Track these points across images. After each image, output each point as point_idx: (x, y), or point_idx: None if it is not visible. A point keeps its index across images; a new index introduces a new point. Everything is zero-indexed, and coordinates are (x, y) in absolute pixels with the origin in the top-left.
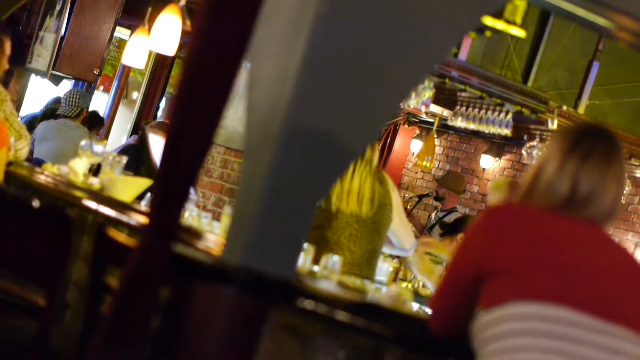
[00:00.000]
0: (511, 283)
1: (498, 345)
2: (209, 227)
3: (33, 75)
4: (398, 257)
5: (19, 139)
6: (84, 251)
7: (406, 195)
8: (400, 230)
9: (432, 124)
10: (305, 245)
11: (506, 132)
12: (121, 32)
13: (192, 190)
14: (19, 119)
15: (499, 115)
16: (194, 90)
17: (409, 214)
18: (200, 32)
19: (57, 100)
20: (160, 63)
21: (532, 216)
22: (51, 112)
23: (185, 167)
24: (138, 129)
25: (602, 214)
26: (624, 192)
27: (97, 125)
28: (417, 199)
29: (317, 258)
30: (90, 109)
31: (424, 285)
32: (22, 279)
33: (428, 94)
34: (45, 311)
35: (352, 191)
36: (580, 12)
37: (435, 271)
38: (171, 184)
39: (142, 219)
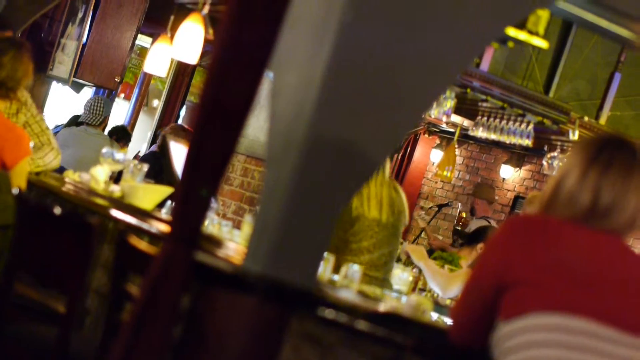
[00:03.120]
0: (532, 294)
1: (518, 356)
2: (230, 235)
3: (54, 83)
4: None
5: (40, 147)
6: (105, 259)
7: (423, 207)
8: (457, 279)
9: (452, 134)
10: (325, 254)
11: (527, 142)
12: (143, 40)
13: (212, 199)
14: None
15: (520, 125)
16: (216, 99)
17: (428, 223)
18: (224, 40)
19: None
20: (182, 71)
21: (553, 227)
22: (74, 119)
23: (207, 175)
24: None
25: (623, 225)
26: None
27: (124, 139)
28: (436, 209)
29: (337, 263)
30: (112, 117)
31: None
32: (43, 285)
33: (449, 104)
34: (65, 318)
35: (371, 197)
36: (603, 23)
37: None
38: (193, 192)
39: (163, 227)
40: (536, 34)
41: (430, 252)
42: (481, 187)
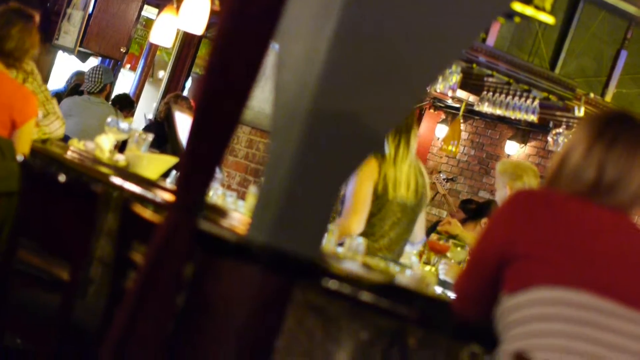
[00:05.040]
0: (535, 268)
1: (522, 330)
2: (234, 206)
3: (60, 52)
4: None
5: (47, 115)
6: (109, 227)
7: (441, 171)
8: (420, 221)
9: (457, 109)
10: (330, 226)
11: (532, 118)
12: (149, 11)
13: (217, 169)
14: (50, 95)
15: (525, 101)
16: (222, 70)
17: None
18: (230, 11)
19: (79, 74)
20: (187, 42)
21: (557, 201)
22: (75, 87)
23: (212, 146)
24: None
25: (628, 200)
26: None
27: (127, 107)
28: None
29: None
30: (117, 87)
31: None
32: (47, 252)
33: (455, 78)
34: (69, 285)
35: (402, 180)
36: None
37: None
38: (198, 162)
39: (168, 196)
40: (543, 9)
41: (434, 226)
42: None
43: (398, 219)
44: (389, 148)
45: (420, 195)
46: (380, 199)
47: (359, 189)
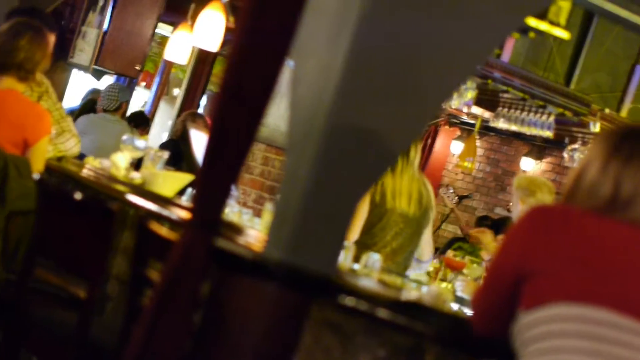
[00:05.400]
0: (552, 284)
1: (539, 346)
2: (250, 223)
3: (75, 70)
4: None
5: (62, 133)
6: (125, 245)
7: (449, 185)
8: (427, 238)
9: (472, 125)
10: (346, 242)
11: (548, 134)
12: (163, 29)
13: (232, 187)
14: (65, 112)
15: (541, 117)
16: (237, 87)
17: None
18: (245, 28)
19: (94, 92)
20: (202, 60)
21: (574, 217)
22: (90, 105)
23: (227, 163)
24: None
25: None
26: None
27: (142, 124)
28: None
29: (358, 254)
30: (132, 105)
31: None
32: (64, 270)
33: (470, 94)
34: (86, 303)
35: (403, 191)
36: (623, 13)
37: None
38: (214, 180)
39: (184, 214)
40: (557, 24)
41: (451, 243)
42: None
43: (401, 229)
44: None
45: (424, 207)
46: (379, 208)
47: None
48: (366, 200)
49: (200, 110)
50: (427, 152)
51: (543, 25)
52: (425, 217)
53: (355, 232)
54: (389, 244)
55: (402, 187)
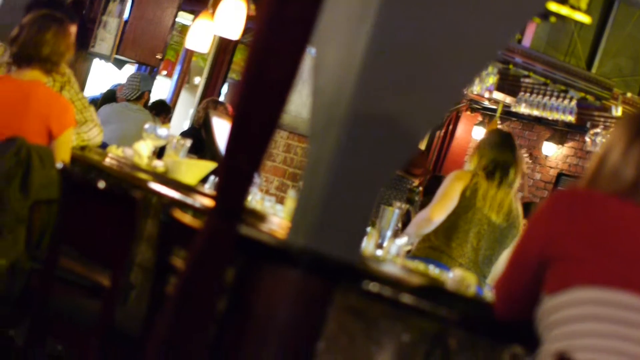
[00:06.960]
0: (576, 268)
1: (563, 330)
2: (273, 210)
3: (96, 60)
4: None
5: (84, 123)
6: (148, 233)
7: None
8: (505, 260)
9: (494, 111)
10: (369, 229)
11: (570, 118)
12: (183, 17)
13: (255, 174)
14: (88, 102)
15: (562, 101)
16: (259, 75)
17: None
18: (266, 16)
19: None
20: (223, 48)
21: (597, 201)
22: (112, 94)
23: (250, 151)
24: None
25: None
26: None
27: (163, 113)
28: None
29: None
30: (153, 94)
31: None
32: (88, 259)
33: (492, 80)
34: (110, 291)
35: (495, 198)
36: None
37: None
38: (237, 167)
39: (207, 201)
40: (578, 9)
41: None
42: None
43: (484, 230)
44: (478, 167)
45: (511, 221)
46: (467, 200)
47: (447, 185)
48: (459, 186)
49: (222, 99)
50: (448, 137)
51: (564, 10)
52: (511, 231)
53: (441, 211)
54: (470, 241)
55: (495, 195)
